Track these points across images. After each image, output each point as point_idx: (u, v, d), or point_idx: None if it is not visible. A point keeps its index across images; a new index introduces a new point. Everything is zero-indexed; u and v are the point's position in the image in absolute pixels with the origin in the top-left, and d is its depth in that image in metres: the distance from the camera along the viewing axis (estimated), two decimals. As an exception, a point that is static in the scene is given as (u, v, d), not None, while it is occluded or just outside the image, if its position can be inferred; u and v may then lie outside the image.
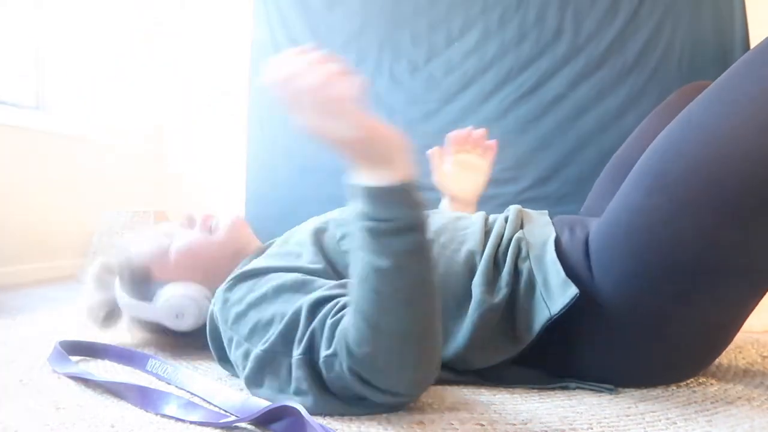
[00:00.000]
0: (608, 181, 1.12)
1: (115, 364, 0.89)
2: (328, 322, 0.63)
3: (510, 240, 0.81)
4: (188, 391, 0.75)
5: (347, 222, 0.76)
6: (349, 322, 0.60)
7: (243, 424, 0.63)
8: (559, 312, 0.70)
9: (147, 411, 0.68)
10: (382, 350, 0.59)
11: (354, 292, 0.61)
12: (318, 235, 0.84)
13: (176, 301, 0.89)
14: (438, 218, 0.86)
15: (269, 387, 0.68)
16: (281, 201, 2.16)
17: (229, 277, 0.79)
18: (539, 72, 1.97)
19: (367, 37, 2.17)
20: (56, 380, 0.80)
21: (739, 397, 0.72)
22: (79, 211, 2.23)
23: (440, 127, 2.06)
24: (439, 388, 0.75)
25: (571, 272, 0.73)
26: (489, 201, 1.82)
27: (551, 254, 0.76)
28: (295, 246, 0.84)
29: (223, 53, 2.67)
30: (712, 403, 0.70)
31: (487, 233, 0.82)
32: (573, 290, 0.70)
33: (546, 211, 0.91)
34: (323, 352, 0.62)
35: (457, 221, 0.86)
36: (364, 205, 0.60)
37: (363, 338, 0.58)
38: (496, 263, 0.78)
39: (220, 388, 0.72)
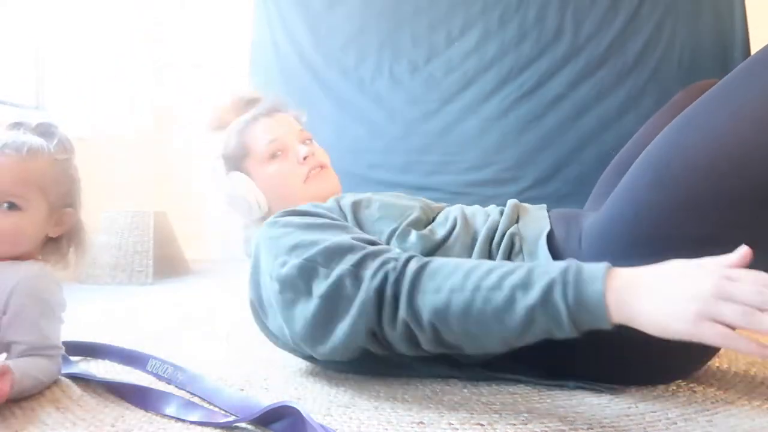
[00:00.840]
0: (611, 182, 1.12)
1: (116, 365, 0.89)
2: (393, 255, 0.69)
3: (503, 235, 0.81)
4: (188, 391, 0.75)
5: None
6: (434, 270, 0.65)
7: (243, 424, 0.63)
8: None
9: (147, 411, 0.68)
10: (439, 313, 0.63)
11: (455, 297, 0.62)
12: (355, 207, 0.86)
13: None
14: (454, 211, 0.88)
15: (294, 296, 0.71)
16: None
17: (280, 212, 0.83)
18: (539, 72, 1.98)
19: (367, 37, 2.17)
20: (56, 380, 0.80)
21: (739, 397, 0.72)
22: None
23: (441, 127, 2.08)
24: (438, 387, 0.76)
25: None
26: (489, 200, 1.82)
27: (543, 250, 0.76)
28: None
29: (223, 53, 2.67)
30: (712, 403, 0.70)
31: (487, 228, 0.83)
32: None
33: (544, 205, 0.91)
34: (376, 269, 0.67)
35: (472, 217, 0.87)
36: (585, 316, 0.57)
37: (435, 295, 0.63)
38: (490, 257, 0.79)
39: (221, 388, 0.72)
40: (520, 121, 1.97)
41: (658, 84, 1.89)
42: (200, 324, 1.24)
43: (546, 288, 0.57)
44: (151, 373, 0.83)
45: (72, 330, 1.04)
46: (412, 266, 0.66)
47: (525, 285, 0.59)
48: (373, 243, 0.73)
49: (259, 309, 0.82)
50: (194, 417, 0.65)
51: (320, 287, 0.69)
